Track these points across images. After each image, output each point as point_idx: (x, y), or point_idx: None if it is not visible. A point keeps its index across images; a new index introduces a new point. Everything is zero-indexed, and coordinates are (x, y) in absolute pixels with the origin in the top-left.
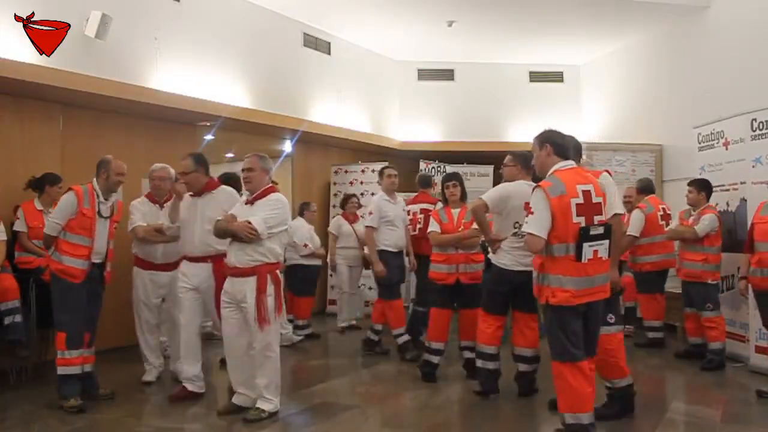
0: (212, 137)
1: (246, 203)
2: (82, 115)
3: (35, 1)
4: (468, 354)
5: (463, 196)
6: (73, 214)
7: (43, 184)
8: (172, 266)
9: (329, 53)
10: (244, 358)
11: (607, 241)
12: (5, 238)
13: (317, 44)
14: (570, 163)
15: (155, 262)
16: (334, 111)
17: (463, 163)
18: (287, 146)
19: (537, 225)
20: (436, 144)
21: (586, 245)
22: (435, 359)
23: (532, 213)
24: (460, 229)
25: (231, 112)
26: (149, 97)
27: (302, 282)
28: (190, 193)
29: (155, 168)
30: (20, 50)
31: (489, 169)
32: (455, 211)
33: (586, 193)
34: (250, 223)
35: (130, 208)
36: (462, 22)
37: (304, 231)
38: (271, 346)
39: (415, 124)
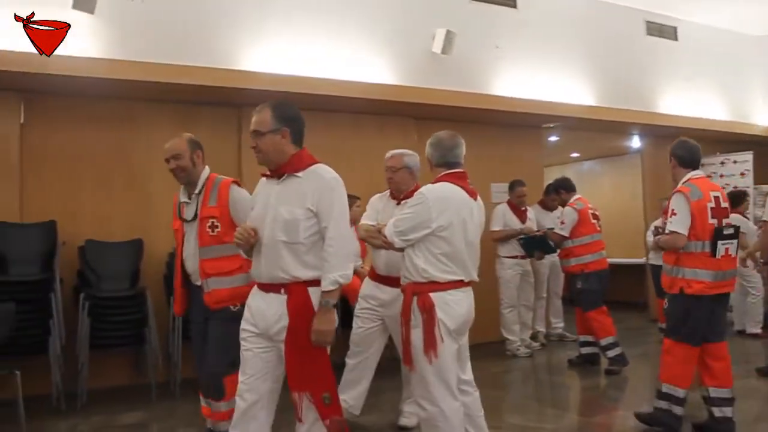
0: (557, 138)
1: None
2: (433, 127)
3: (389, 27)
4: None
5: None
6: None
7: None
8: (396, 281)
9: (676, 39)
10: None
11: (735, 241)
12: None
13: (662, 31)
14: (699, 173)
15: (379, 272)
16: (685, 100)
17: None
18: (635, 142)
19: (680, 224)
20: None
21: (719, 243)
22: None
23: (675, 214)
24: None
25: (575, 111)
26: (495, 104)
27: None
28: (266, 173)
29: (386, 157)
30: (379, 73)
31: None
32: None
33: (717, 199)
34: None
35: (368, 203)
36: None
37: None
38: (426, 399)
39: None
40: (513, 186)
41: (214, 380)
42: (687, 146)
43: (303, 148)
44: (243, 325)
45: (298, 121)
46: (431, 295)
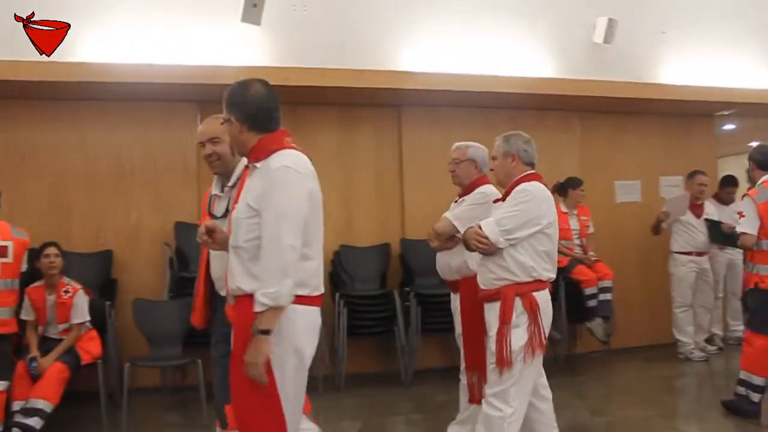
0: (733, 126)
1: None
2: (598, 120)
3: (547, 18)
4: None
5: None
6: None
7: (566, 188)
8: (451, 285)
9: None
10: None
11: None
12: None
13: None
14: None
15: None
16: None
17: None
18: None
19: (749, 225)
20: None
21: None
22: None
23: (743, 216)
24: None
25: (753, 96)
26: (663, 93)
27: None
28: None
29: (451, 149)
30: (538, 66)
31: None
32: None
33: None
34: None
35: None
36: None
37: None
38: (499, 398)
39: None
40: (693, 175)
41: None
42: (765, 151)
43: (274, 132)
44: None
45: (246, 104)
46: (534, 294)
